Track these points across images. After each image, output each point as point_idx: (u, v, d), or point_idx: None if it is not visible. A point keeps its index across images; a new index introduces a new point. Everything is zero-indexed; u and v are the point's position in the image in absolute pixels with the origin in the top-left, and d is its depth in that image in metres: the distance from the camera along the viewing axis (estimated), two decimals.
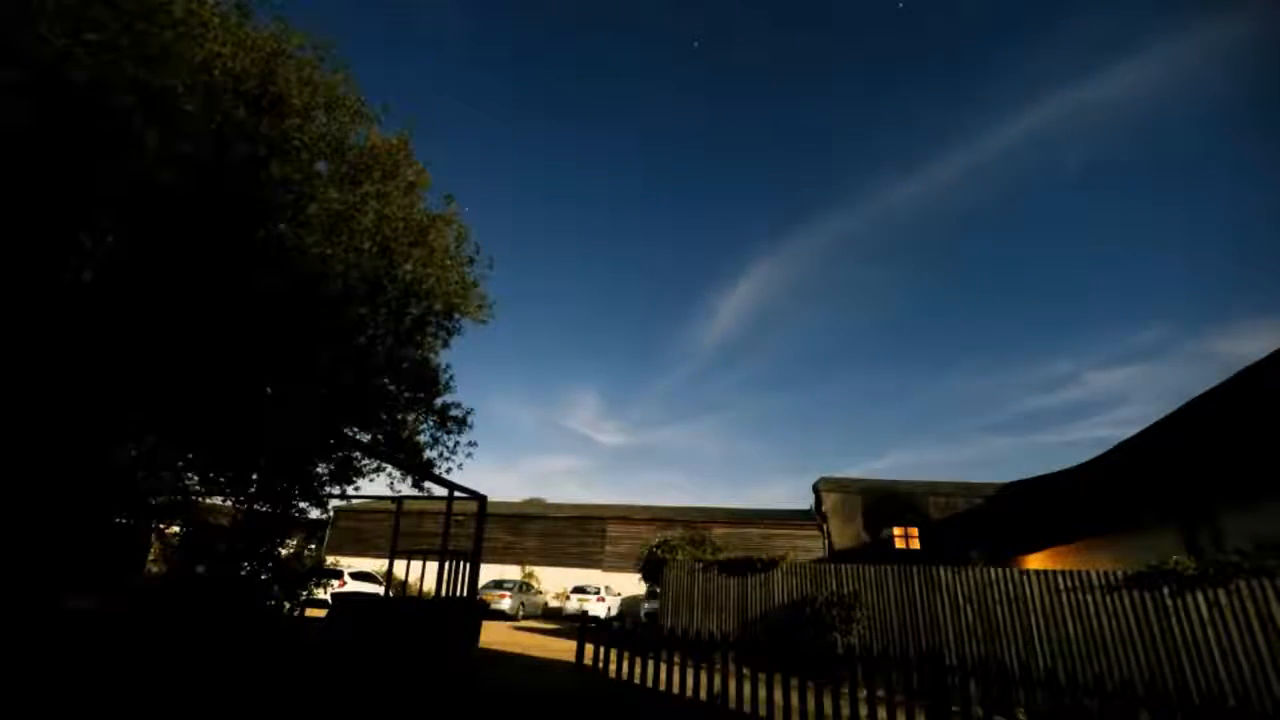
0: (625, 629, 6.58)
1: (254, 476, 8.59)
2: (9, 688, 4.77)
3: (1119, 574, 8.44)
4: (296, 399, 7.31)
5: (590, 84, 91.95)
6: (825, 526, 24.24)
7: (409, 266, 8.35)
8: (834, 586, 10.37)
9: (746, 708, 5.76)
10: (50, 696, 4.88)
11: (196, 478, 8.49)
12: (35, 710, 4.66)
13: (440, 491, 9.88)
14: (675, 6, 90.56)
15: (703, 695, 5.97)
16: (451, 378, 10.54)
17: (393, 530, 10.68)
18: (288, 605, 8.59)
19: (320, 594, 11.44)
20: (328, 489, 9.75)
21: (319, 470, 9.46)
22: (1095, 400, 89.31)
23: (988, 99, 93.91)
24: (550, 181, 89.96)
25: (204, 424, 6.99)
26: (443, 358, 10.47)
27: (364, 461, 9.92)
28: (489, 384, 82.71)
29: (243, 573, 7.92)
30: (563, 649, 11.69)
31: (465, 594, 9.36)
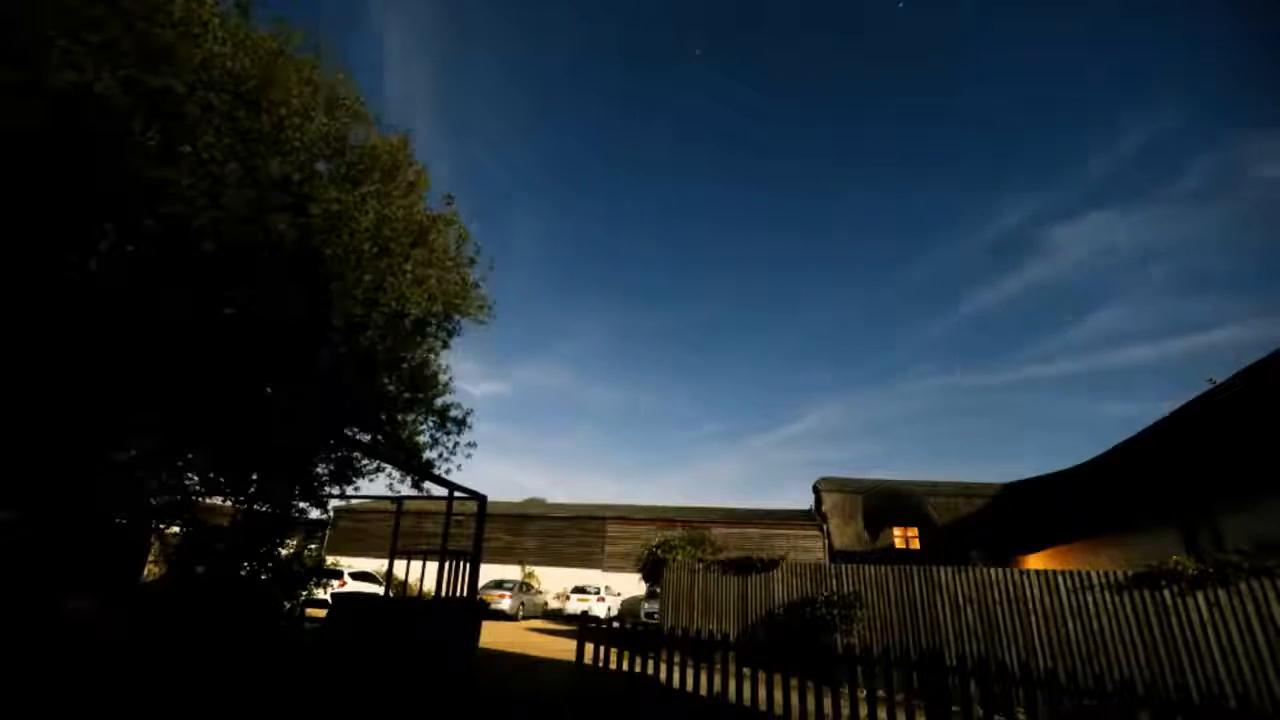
0: (625, 629, 6.58)
1: (254, 476, 8.58)
2: (9, 688, 4.76)
3: (1119, 574, 8.44)
4: (297, 399, 7.30)
5: (591, 83, 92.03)
6: (825, 526, 24.25)
7: (409, 267, 8.34)
8: (834, 586, 10.37)
9: (747, 707, 5.76)
10: (51, 697, 4.87)
11: (196, 478, 8.48)
12: (36, 710, 4.66)
13: (440, 492, 9.87)
14: (676, 6, 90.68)
15: (703, 694, 5.97)
16: (451, 378, 10.56)
17: (393, 530, 10.69)
18: (288, 605, 8.59)
19: (320, 594, 11.44)
20: (328, 489, 9.75)
21: (319, 470, 9.45)
22: (1069, 286, 77.04)
23: None
24: (550, 181, 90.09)
25: (205, 424, 6.98)
26: (443, 358, 10.48)
27: (364, 462, 9.91)
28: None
29: (243, 573, 7.93)
30: (563, 649, 11.69)
31: (465, 594, 9.36)
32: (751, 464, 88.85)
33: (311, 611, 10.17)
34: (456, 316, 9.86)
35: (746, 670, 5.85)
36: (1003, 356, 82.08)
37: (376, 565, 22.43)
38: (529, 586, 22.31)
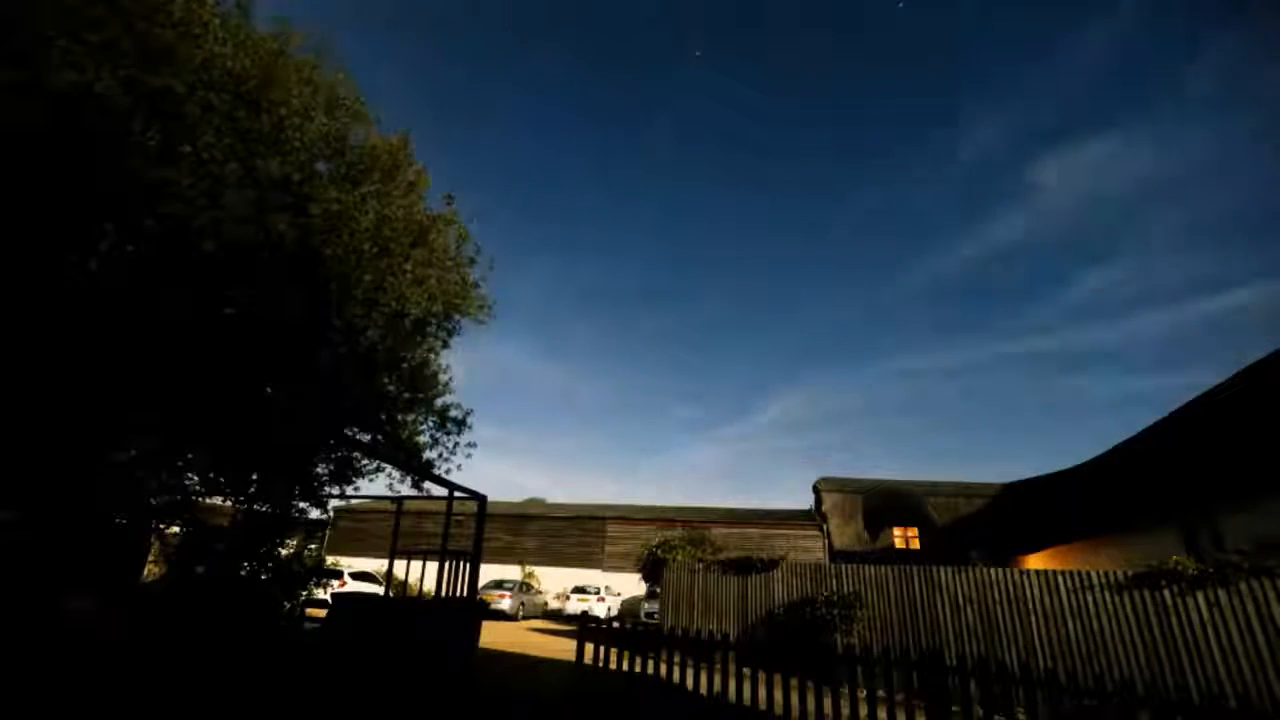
0: (625, 629, 6.58)
1: (254, 476, 8.58)
2: (9, 688, 4.76)
3: (1119, 574, 8.44)
4: (297, 399, 7.30)
5: (591, 85, 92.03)
6: (825, 526, 24.24)
7: (409, 267, 8.34)
8: (834, 586, 10.37)
9: (747, 707, 5.76)
10: (51, 697, 4.87)
11: (196, 478, 8.48)
12: (36, 711, 4.66)
13: (440, 491, 9.87)
14: (676, 7, 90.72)
15: (704, 694, 5.97)
16: (451, 379, 10.56)
17: (393, 530, 10.68)
18: (288, 605, 8.59)
19: (320, 594, 11.44)
20: (328, 489, 9.75)
21: (319, 470, 9.45)
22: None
23: None
24: (552, 180, 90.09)
25: (204, 424, 6.98)
26: (443, 358, 10.48)
27: (364, 462, 9.91)
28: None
29: (243, 573, 7.92)
30: (563, 649, 11.69)
31: (465, 594, 9.36)
32: (751, 459, 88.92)
33: (311, 611, 10.17)
34: (456, 316, 9.86)
35: (747, 670, 5.85)
36: (994, 336, 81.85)
37: (376, 565, 22.42)
38: (529, 586, 22.30)
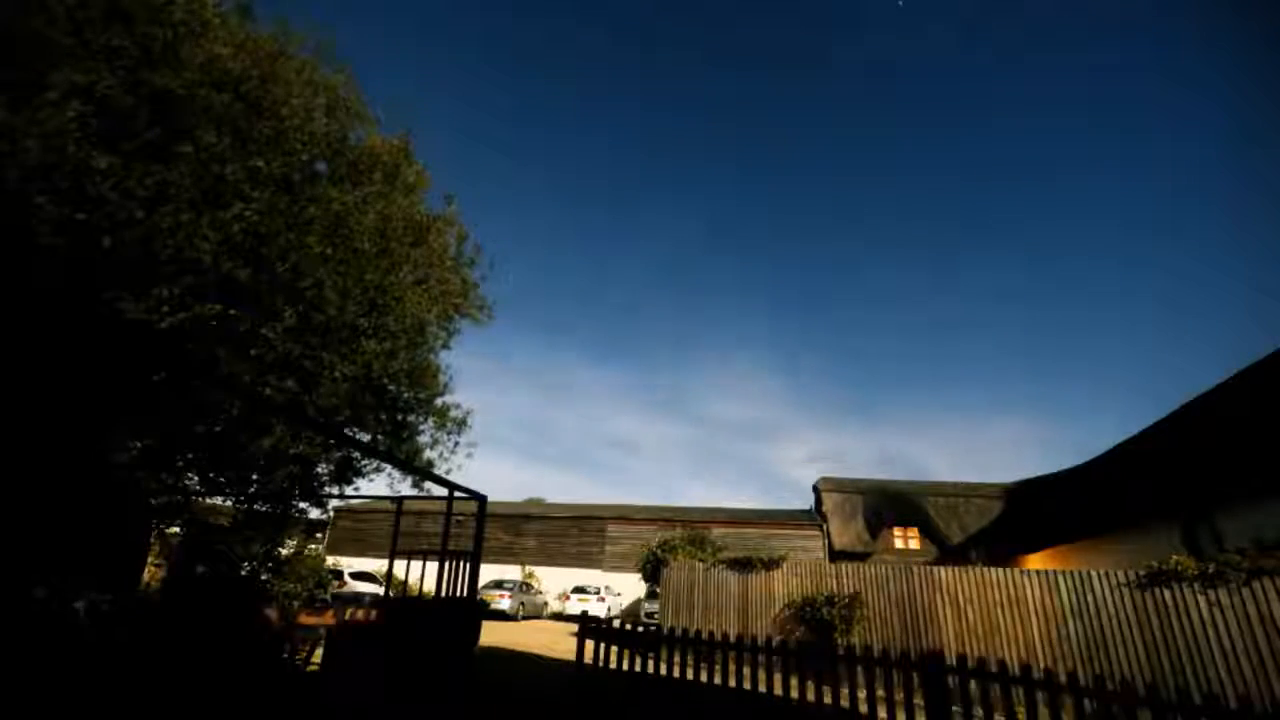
0: (625, 628, 6.58)
1: (254, 476, 8.58)
2: (9, 690, 4.77)
3: (1119, 574, 8.45)
4: (297, 398, 7.30)
5: (590, 84, 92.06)
6: (825, 526, 24.24)
7: (409, 267, 8.34)
8: (834, 586, 10.38)
9: (749, 706, 5.76)
10: (51, 699, 4.88)
11: (196, 478, 8.48)
12: (36, 712, 4.66)
13: (440, 491, 9.86)
14: (676, 8, 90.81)
15: (704, 694, 5.97)
16: (451, 378, 10.56)
17: (393, 530, 10.68)
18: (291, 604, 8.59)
19: (320, 594, 11.44)
20: (328, 489, 9.75)
21: (319, 470, 9.45)
22: None
23: None
24: (550, 181, 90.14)
25: (204, 424, 6.99)
26: (443, 358, 10.48)
27: (364, 462, 9.91)
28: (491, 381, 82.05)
29: (243, 573, 7.93)
30: (563, 649, 11.69)
31: (465, 594, 9.36)
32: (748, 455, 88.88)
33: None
34: (457, 316, 9.87)
35: (747, 670, 5.85)
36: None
37: (376, 565, 22.41)
38: (529, 586, 22.30)
